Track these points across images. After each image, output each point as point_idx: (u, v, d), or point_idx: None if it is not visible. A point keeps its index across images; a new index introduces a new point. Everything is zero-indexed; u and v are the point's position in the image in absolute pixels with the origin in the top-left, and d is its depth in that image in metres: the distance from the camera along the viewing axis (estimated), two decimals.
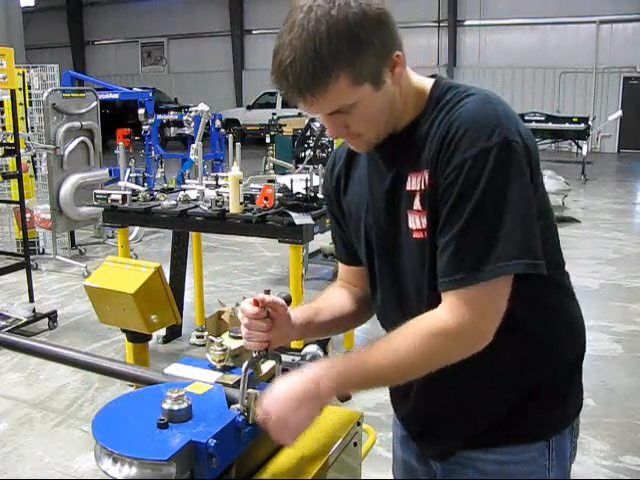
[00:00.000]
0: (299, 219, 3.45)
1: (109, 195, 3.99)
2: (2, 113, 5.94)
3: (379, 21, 1.15)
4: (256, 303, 1.25)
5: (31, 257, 5.40)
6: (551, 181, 9.22)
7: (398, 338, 1.19)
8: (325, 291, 1.53)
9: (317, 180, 3.97)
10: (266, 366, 1.36)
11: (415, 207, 1.22)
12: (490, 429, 1.31)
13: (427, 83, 1.28)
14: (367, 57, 1.13)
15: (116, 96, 9.35)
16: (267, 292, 1.27)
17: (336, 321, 1.44)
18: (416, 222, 1.23)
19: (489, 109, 1.18)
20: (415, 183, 1.22)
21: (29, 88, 6.80)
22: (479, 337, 1.17)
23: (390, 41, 1.18)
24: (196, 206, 3.85)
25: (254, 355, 1.24)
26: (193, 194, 4.00)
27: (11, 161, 5.72)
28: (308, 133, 5.77)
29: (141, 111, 8.29)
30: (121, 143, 4.96)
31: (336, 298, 1.48)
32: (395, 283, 1.33)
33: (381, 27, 1.15)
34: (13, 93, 4.85)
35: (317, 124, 5.53)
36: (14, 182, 5.72)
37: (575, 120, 13.60)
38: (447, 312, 1.16)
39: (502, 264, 1.12)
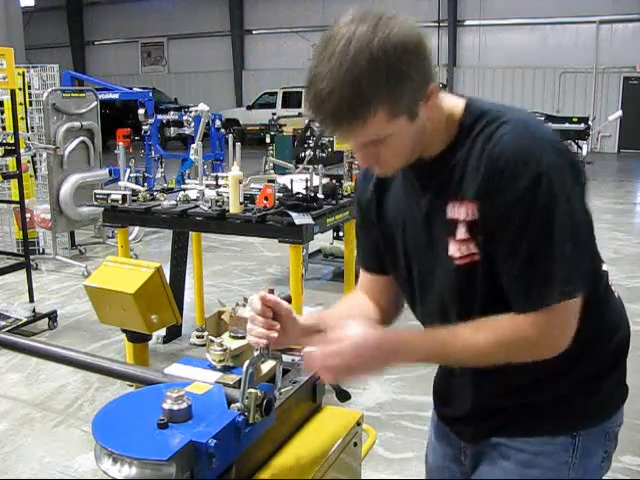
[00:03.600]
0: (299, 219, 3.45)
1: (109, 195, 3.99)
2: (2, 113, 5.94)
3: (418, 54, 1.15)
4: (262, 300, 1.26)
5: (31, 257, 5.40)
6: None
7: (481, 329, 1.23)
8: (341, 301, 1.55)
9: (317, 180, 3.97)
10: (266, 366, 1.36)
11: (459, 236, 1.24)
12: (519, 418, 1.36)
13: (457, 108, 1.27)
14: (405, 91, 1.13)
15: (116, 96, 9.35)
16: (271, 291, 1.27)
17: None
18: (461, 250, 1.24)
19: (529, 137, 1.18)
20: (458, 212, 1.23)
21: (29, 88, 6.80)
22: (555, 349, 1.23)
23: (427, 74, 1.17)
24: (196, 206, 3.85)
25: (255, 354, 1.24)
26: (193, 194, 4.00)
27: (11, 161, 5.71)
28: (308, 133, 5.77)
29: (141, 111, 8.29)
30: (121, 143, 4.95)
31: (352, 306, 1.51)
32: (436, 301, 1.36)
33: (420, 60, 1.15)
34: (13, 93, 4.85)
35: (317, 124, 5.53)
36: (14, 182, 5.72)
37: (575, 120, 13.62)
38: (528, 324, 1.21)
39: (569, 288, 1.19)
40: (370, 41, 1.09)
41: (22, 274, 5.04)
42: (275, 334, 1.27)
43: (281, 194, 3.78)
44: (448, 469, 1.55)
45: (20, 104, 6.07)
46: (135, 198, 4.00)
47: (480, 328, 1.24)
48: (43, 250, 6.87)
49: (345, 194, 4.05)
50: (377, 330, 1.26)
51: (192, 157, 4.52)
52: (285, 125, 11.22)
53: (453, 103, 1.27)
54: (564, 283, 1.18)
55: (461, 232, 1.23)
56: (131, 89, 10.77)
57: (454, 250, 1.25)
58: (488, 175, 1.18)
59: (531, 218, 1.16)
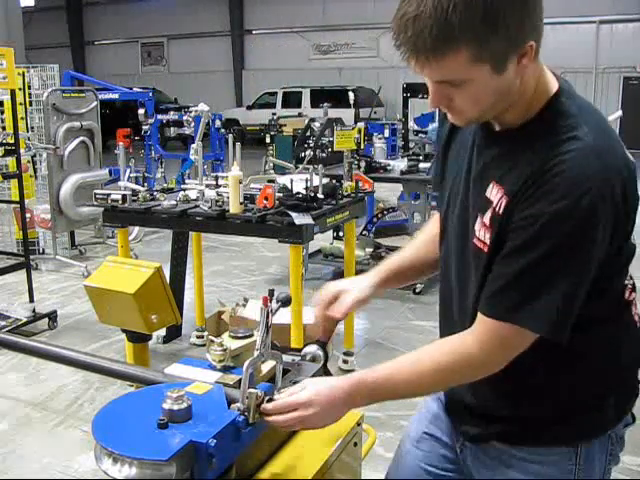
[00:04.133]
0: (299, 219, 3.45)
1: (109, 195, 3.99)
2: (2, 113, 5.93)
3: (525, 3, 1.06)
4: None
5: (31, 257, 5.40)
6: None
7: (424, 359, 1.27)
8: (422, 234, 1.62)
9: (317, 180, 3.97)
10: (266, 366, 1.35)
11: (485, 219, 1.23)
12: (522, 427, 1.36)
13: (551, 86, 1.20)
14: (497, 38, 1.05)
15: (116, 96, 9.35)
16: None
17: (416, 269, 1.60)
18: (480, 233, 1.24)
19: (593, 165, 1.10)
20: (494, 195, 1.21)
21: (29, 88, 6.80)
22: (494, 368, 1.24)
23: (529, 28, 1.09)
24: (196, 206, 3.85)
25: (255, 354, 1.24)
26: (193, 194, 4.00)
27: (11, 161, 5.71)
28: (308, 133, 5.77)
29: (141, 111, 8.29)
30: (121, 143, 4.95)
31: (423, 252, 1.58)
32: (459, 255, 1.35)
33: (526, 10, 1.07)
34: (13, 93, 4.85)
35: (317, 124, 5.53)
36: (14, 182, 5.72)
37: None
38: (475, 338, 1.23)
39: (539, 320, 1.15)
40: None
41: (22, 274, 5.04)
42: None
43: (281, 194, 3.78)
44: (437, 455, 1.55)
45: (20, 104, 6.07)
46: (135, 198, 4.00)
47: (426, 352, 1.28)
48: (43, 250, 6.87)
49: (345, 194, 4.05)
50: (326, 384, 1.27)
51: (192, 157, 4.51)
52: (285, 125, 11.21)
53: (549, 80, 1.21)
54: (536, 314, 1.15)
55: (487, 216, 1.22)
56: (131, 89, 10.76)
57: (477, 229, 1.24)
58: (531, 182, 1.13)
59: (539, 242, 1.12)
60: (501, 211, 1.19)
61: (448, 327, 1.39)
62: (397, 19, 1.08)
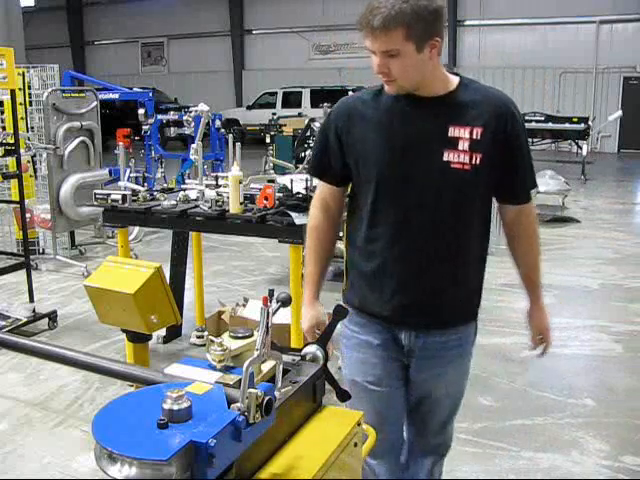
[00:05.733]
0: (299, 219, 3.45)
1: (109, 195, 3.99)
2: (2, 113, 5.93)
3: (437, 14, 1.72)
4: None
5: (31, 257, 5.40)
6: (551, 181, 9.21)
7: (533, 246, 2.03)
8: (318, 235, 2.14)
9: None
10: (266, 366, 1.36)
11: (461, 148, 1.78)
12: (456, 310, 1.98)
13: (452, 75, 1.85)
14: (420, 27, 1.68)
15: (116, 96, 9.35)
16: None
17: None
18: (460, 158, 1.79)
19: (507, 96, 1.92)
20: (459, 132, 1.79)
21: (29, 88, 6.80)
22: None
23: (437, 29, 1.72)
24: (196, 206, 3.85)
25: (255, 354, 1.24)
26: (193, 194, 4.00)
27: (11, 161, 5.71)
28: (308, 133, 5.77)
29: (141, 111, 8.29)
30: (121, 143, 4.95)
31: (325, 247, 2.16)
32: (416, 196, 1.84)
33: (436, 17, 1.71)
34: (13, 93, 4.85)
35: (317, 124, 5.53)
36: (14, 182, 5.72)
37: (575, 120, 13.60)
38: (532, 209, 1.99)
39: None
40: None
41: (22, 274, 5.04)
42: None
43: (281, 194, 3.78)
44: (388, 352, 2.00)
45: (20, 104, 6.08)
46: (135, 198, 4.00)
47: (530, 235, 2.03)
48: (43, 250, 6.87)
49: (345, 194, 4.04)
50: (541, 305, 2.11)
51: (192, 157, 4.51)
52: (285, 125, 11.21)
53: (450, 73, 1.85)
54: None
55: (462, 146, 1.78)
56: (131, 89, 10.76)
57: (453, 157, 1.79)
58: (494, 113, 1.80)
59: (520, 145, 1.86)
60: (479, 137, 1.78)
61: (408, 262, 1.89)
62: (367, 9, 1.70)
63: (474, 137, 1.77)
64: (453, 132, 1.78)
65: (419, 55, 1.71)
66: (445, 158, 1.78)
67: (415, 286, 1.90)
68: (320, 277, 2.10)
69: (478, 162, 1.78)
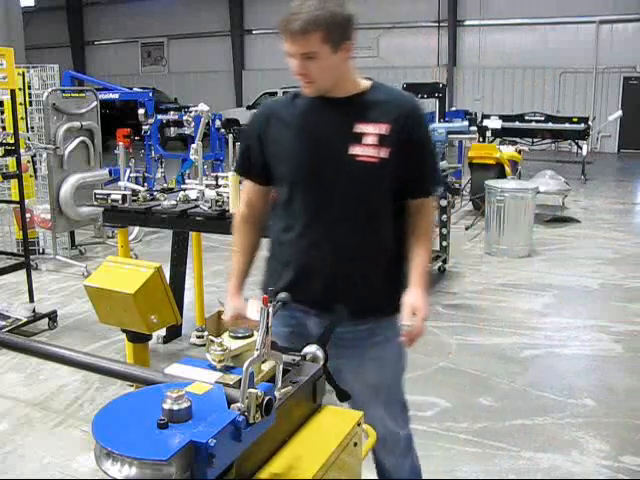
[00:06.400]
0: None
1: (109, 195, 3.99)
2: (2, 113, 5.93)
3: (349, 19, 1.86)
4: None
5: (31, 257, 5.40)
6: (551, 181, 9.21)
7: (427, 241, 2.06)
8: (242, 230, 2.32)
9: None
10: (266, 366, 1.36)
11: (367, 142, 1.90)
12: (367, 302, 2.01)
13: (365, 79, 1.99)
14: (336, 31, 1.81)
15: (116, 96, 9.35)
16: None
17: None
18: (365, 151, 1.90)
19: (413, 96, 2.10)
20: (366, 128, 1.90)
21: (29, 88, 6.80)
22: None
23: (350, 33, 1.86)
24: (196, 206, 3.85)
25: (255, 354, 1.24)
26: (193, 194, 4.00)
27: (11, 161, 5.71)
28: None
29: (141, 111, 8.29)
30: (121, 143, 4.96)
31: (251, 242, 2.32)
32: (325, 188, 1.94)
33: (349, 22, 1.86)
34: (13, 93, 4.85)
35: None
36: (14, 182, 5.72)
37: (575, 120, 13.58)
38: (432, 204, 2.10)
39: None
40: (338, 2, 1.84)
41: (22, 274, 5.04)
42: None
43: None
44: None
45: (20, 104, 6.08)
46: (135, 198, 4.00)
47: (425, 242, 2.07)
48: (43, 250, 6.87)
49: None
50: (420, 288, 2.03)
51: (192, 157, 4.51)
52: None
53: (361, 78, 1.98)
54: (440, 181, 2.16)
55: (368, 141, 1.90)
56: (131, 89, 10.77)
57: (358, 151, 1.90)
58: (400, 114, 1.93)
59: (424, 145, 2.00)
60: (387, 132, 1.90)
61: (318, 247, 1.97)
62: (286, 16, 1.80)
63: (380, 133, 1.89)
64: (359, 128, 1.90)
65: (335, 57, 1.83)
66: (350, 152, 1.89)
67: (324, 277, 1.98)
68: (244, 269, 2.23)
69: (384, 156, 1.89)
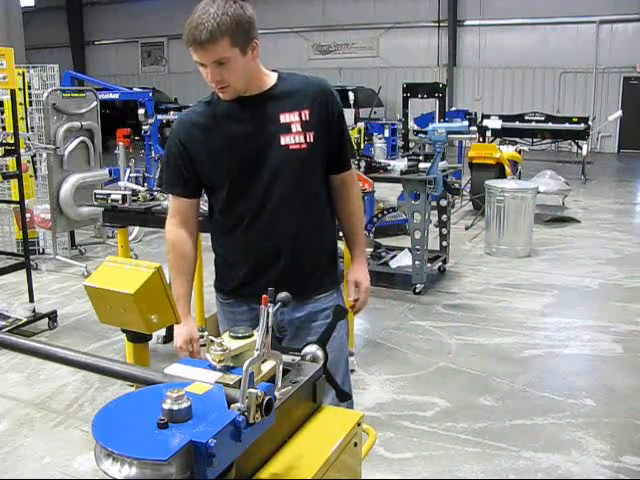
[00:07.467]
0: None
1: (109, 195, 3.99)
2: (2, 113, 5.93)
3: (251, 19, 1.91)
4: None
5: (31, 257, 5.40)
6: (551, 181, 9.21)
7: (359, 210, 2.27)
8: (178, 251, 2.30)
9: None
10: (266, 366, 1.36)
11: (294, 130, 2.00)
12: (324, 278, 2.16)
13: (271, 72, 2.06)
14: (241, 33, 1.86)
15: (116, 96, 9.35)
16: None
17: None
18: (295, 139, 2.00)
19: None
20: (289, 117, 2.00)
21: (29, 88, 6.80)
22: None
23: (254, 32, 1.92)
24: None
25: (255, 354, 1.24)
26: None
27: (11, 161, 5.71)
28: None
29: (141, 111, 8.29)
30: (121, 143, 4.96)
31: (189, 261, 2.35)
32: (266, 179, 2.01)
33: (252, 23, 1.91)
34: (13, 93, 4.85)
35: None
36: (14, 182, 5.72)
37: (575, 120, 13.58)
38: (354, 175, 2.25)
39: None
40: (230, 4, 1.86)
41: (22, 274, 5.04)
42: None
43: None
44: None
45: (20, 104, 6.07)
46: (135, 198, 4.00)
47: (357, 212, 2.28)
48: (43, 250, 6.87)
49: None
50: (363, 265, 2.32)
51: None
52: None
53: (268, 71, 2.05)
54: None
55: (295, 129, 2.00)
56: (131, 89, 10.77)
57: (289, 140, 1.99)
58: (315, 96, 2.02)
59: (341, 119, 2.11)
60: (308, 118, 2.00)
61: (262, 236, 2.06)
62: (192, 27, 1.83)
63: (303, 119, 1.99)
64: (284, 118, 1.99)
65: (244, 58, 1.90)
66: (282, 142, 1.98)
67: (278, 265, 2.07)
68: (188, 293, 2.29)
69: (312, 140, 2.00)
